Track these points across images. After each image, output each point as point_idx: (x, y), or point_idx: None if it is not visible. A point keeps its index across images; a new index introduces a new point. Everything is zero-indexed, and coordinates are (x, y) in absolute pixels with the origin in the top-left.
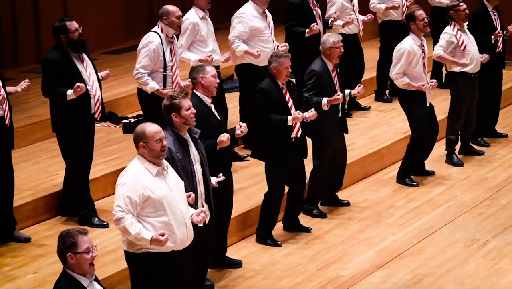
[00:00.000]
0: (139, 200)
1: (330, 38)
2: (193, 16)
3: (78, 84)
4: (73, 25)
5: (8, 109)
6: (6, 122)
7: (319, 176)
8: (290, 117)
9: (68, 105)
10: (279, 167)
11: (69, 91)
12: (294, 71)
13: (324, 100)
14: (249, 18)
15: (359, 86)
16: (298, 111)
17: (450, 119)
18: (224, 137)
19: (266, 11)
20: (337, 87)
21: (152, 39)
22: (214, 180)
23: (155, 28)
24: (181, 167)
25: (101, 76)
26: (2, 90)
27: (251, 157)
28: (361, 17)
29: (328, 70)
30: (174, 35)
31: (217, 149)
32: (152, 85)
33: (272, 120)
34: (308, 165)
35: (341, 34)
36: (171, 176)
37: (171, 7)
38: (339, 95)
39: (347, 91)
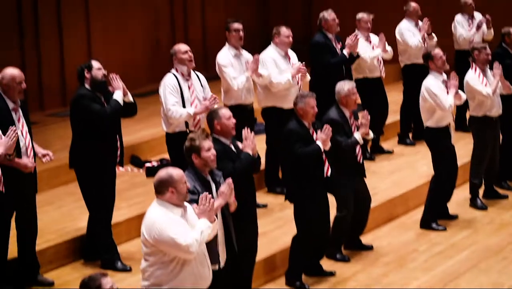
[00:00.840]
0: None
1: (344, 87)
2: (226, 53)
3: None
4: (98, 64)
5: (33, 155)
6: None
7: (343, 223)
8: (319, 142)
9: (92, 147)
10: (310, 210)
11: (116, 95)
12: (319, 110)
13: (357, 136)
14: (270, 61)
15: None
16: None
17: (474, 163)
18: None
19: (289, 51)
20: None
21: (166, 80)
22: None
23: (172, 70)
24: None
25: None
26: (28, 136)
27: (286, 199)
28: (381, 53)
29: (345, 118)
30: (192, 70)
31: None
32: (190, 111)
33: (306, 152)
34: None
35: (365, 78)
36: (190, 216)
37: (178, 46)
38: (368, 135)
39: (370, 132)
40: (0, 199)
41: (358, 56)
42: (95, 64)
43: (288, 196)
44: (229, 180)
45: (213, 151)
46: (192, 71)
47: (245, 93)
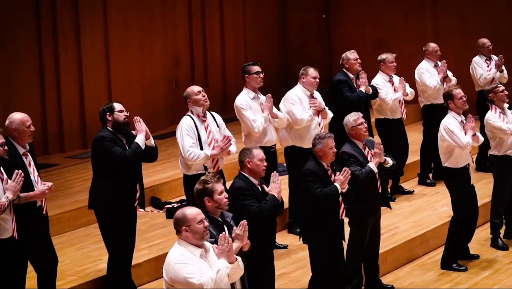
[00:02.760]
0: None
1: (350, 118)
2: (244, 97)
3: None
4: (120, 106)
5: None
6: (44, 212)
7: (356, 256)
8: (337, 184)
9: (113, 189)
10: (324, 252)
11: (138, 138)
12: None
13: (371, 165)
14: (296, 99)
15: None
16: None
17: (494, 202)
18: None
19: (315, 93)
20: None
21: (183, 122)
22: None
23: (188, 112)
24: None
25: None
26: (40, 181)
27: (303, 242)
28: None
29: (359, 149)
30: (208, 111)
31: None
32: (207, 152)
33: (325, 193)
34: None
35: (386, 119)
36: (212, 257)
37: (191, 88)
38: (387, 163)
39: (389, 160)
40: (13, 245)
41: (377, 93)
42: (117, 106)
43: (303, 237)
44: (244, 222)
45: (225, 194)
46: (207, 112)
47: (267, 134)
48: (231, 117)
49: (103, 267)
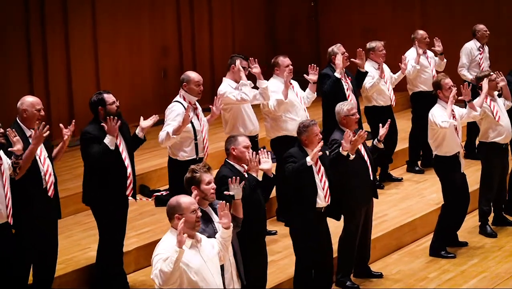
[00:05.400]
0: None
1: (343, 107)
2: (226, 85)
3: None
4: (111, 97)
5: (52, 181)
6: (49, 194)
7: (349, 245)
8: (308, 158)
9: (103, 182)
10: (307, 237)
11: (106, 139)
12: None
13: (343, 143)
14: (274, 91)
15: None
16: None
17: (483, 190)
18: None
19: (292, 81)
20: (363, 151)
21: (175, 108)
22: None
23: (177, 98)
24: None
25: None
26: (47, 162)
27: (285, 226)
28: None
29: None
30: (197, 102)
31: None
32: (168, 130)
33: (292, 167)
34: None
35: (374, 106)
36: (205, 248)
37: (192, 74)
38: (362, 131)
39: (375, 141)
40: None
41: (364, 74)
42: (108, 98)
43: (286, 223)
44: (223, 202)
45: (213, 185)
46: None
47: (249, 124)
48: None
49: (92, 255)
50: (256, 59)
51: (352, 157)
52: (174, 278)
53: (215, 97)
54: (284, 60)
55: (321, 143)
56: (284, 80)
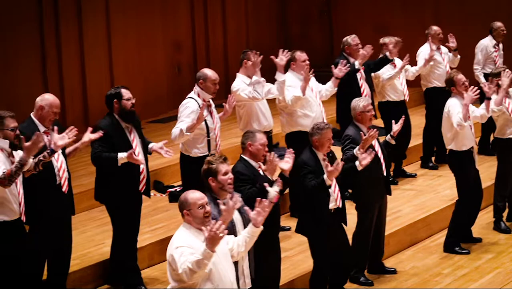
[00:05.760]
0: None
1: (359, 103)
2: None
3: (133, 151)
4: (128, 93)
5: (66, 177)
6: (63, 190)
7: (364, 241)
8: (325, 176)
9: (116, 178)
10: (322, 242)
11: (121, 155)
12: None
13: (356, 150)
14: (291, 85)
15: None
16: (331, 167)
17: (497, 185)
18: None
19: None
20: (376, 147)
21: (189, 105)
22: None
23: (191, 94)
24: None
25: (153, 148)
26: (61, 158)
27: (296, 231)
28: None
29: (363, 133)
30: (211, 100)
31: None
32: (182, 127)
33: (312, 185)
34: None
35: (388, 101)
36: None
37: (209, 72)
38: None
39: (388, 137)
40: (19, 228)
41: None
42: (125, 93)
43: (297, 228)
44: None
45: (230, 175)
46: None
47: (263, 120)
48: None
49: (106, 251)
50: (284, 50)
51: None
52: (201, 276)
53: (229, 95)
54: (301, 55)
55: (340, 166)
56: (304, 76)
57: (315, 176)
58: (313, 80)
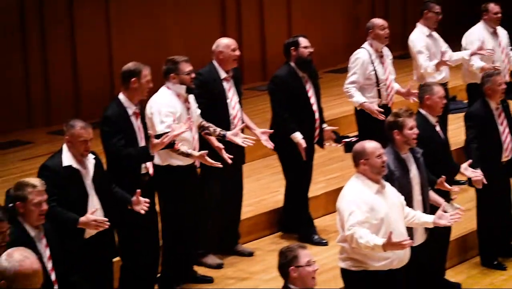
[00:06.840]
0: (363, 217)
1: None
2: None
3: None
4: (306, 42)
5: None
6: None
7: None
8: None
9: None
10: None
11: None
12: None
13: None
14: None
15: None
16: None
17: None
18: None
19: (499, 28)
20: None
21: (359, 56)
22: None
23: (365, 44)
24: (399, 186)
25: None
26: (237, 106)
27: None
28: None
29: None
30: (384, 48)
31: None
32: (357, 99)
33: (472, 149)
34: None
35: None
36: (389, 193)
37: (376, 20)
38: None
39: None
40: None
41: None
42: (303, 41)
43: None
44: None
45: (415, 130)
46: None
47: (442, 72)
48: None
49: (280, 199)
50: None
51: None
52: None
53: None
54: (494, 7)
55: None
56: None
57: (485, 129)
58: (504, 32)
